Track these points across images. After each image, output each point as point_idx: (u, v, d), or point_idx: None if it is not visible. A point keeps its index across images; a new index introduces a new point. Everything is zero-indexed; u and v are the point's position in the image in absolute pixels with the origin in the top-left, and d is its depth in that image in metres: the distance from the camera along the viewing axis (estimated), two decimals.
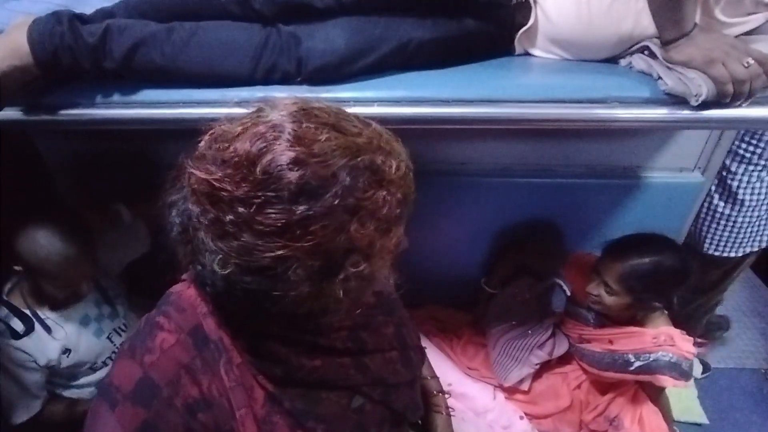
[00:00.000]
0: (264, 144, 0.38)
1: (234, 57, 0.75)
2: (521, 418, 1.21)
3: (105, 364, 1.12)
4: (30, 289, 1.02)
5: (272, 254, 0.38)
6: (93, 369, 1.11)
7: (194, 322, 0.49)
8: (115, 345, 1.14)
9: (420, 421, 0.75)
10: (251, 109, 0.43)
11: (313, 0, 0.74)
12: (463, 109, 0.73)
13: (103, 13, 0.79)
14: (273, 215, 0.37)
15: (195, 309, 0.49)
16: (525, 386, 1.25)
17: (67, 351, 1.05)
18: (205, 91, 0.77)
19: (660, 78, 0.73)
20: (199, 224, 0.40)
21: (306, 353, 0.52)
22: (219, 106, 0.76)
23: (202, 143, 0.42)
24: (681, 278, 1.04)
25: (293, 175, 0.37)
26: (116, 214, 1.11)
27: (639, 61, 0.77)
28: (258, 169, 0.37)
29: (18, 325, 1.00)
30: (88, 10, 0.81)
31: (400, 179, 0.41)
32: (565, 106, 0.73)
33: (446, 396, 0.80)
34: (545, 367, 1.27)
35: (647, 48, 0.77)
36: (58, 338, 1.03)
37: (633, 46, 0.79)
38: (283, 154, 0.38)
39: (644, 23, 0.76)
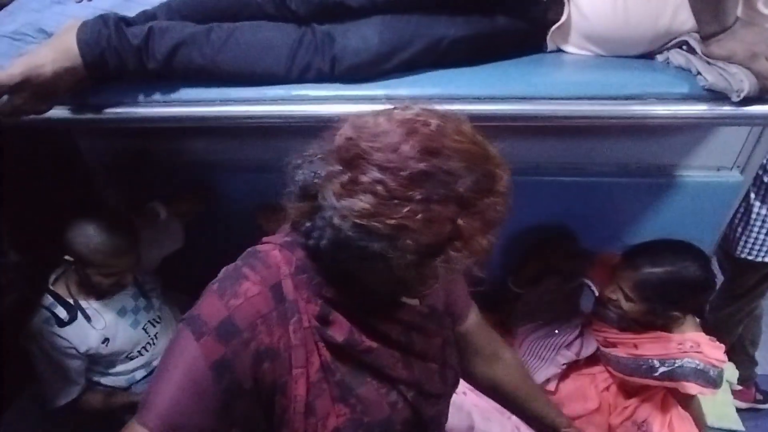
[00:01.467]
0: (413, 130, 0.44)
1: (270, 56, 0.77)
2: None
3: (140, 353, 1.17)
4: (77, 280, 1.07)
5: (391, 221, 0.43)
6: (129, 358, 1.16)
7: (276, 280, 0.53)
8: (149, 335, 1.19)
9: None
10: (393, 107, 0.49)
11: (348, 0, 0.76)
12: (496, 107, 0.73)
13: (146, 16, 0.83)
14: (401, 189, 0.42)
15: (279, 268, 0.54)
16: (552, 387, 1.23)
17: (106, 340, 1.10)
18: (242, 89, 0.79)
19: (699, 73, 0.71)
20: (330, 183, 0.45)
21: (365, 332, 0.55)
22: (255, 104, 0.79)
23: (351, 120, 0.48)
24: (700, 290, 1.01)
25: (427, 162, 0.43)
26: (152, 211, 1.17)
27: (677, 57, 0.75)
28: (404, 148, 0.43)
29: (62, 313, 1.06)
30: (131, 11, 0.85)
31: (506, 193, 0.47)
32: (601, 103, 0.72)
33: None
34: (573, 368, 1.25)
35: (686, 43, 0.75)
36: (97, 328, 1.08)
37: (670, 41, 0.78)
38: (425, 142, 0.43)
39: (682, 18, 0.74)
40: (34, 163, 1.14)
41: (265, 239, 0.59)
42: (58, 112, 0.81)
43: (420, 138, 0.44)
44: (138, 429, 0.48)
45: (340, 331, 0.54)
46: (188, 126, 0.84)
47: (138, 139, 1.22)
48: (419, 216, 0.42)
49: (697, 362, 1.01)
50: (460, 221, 0.44)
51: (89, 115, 0.82)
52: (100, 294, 1.09)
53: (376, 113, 0.47)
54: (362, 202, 0.43)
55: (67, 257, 1.00)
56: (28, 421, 1.19)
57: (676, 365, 1.02)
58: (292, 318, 0.53)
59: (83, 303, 1.08)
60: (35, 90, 0.74)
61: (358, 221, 0.43)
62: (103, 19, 0.77)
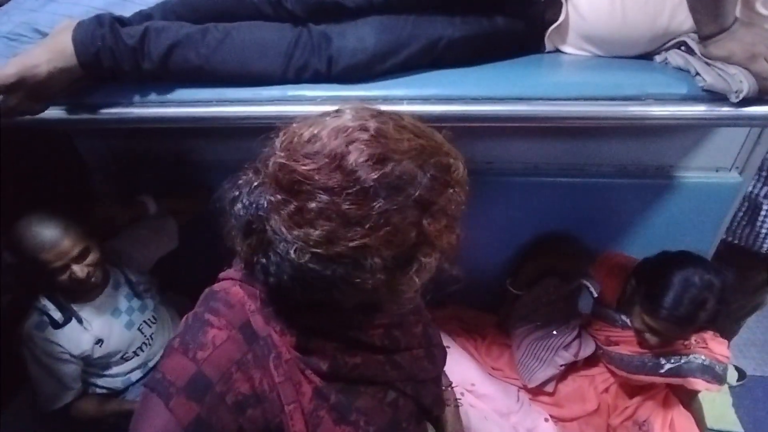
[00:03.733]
0: (351, 139, 0.41)
1: (266, 56, 0.76)
2: (546, 420, 1.20)
3: (136, 354, 1.17)
4: (46, 284, 1.04)
5: (352, 243, 0.39)
6: (124, 359, 1.16)
7: (243, 319, 0.50)
8: (145, 336, 1.18)
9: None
10: (320, 115, 0.46)
11: (344, 0, 0.75)
12: (494, 107, 0.73)
13: (142, 16, 0.82)
14: (355, 207, 0.39)
15: (243, 306, 0.51)
16: (550, 388, 1.23)
17: (99, 341, 1.09)
18: (238, 89, 0.79)
19: (698, 74, 0.71)
20: (276, 214, 0.41)
21: (348, 350, 0.53)
22: (251, 104, 0.78)
23: (282, 138, 0.44)
24: (725, 302, 0.99)
25: (377, 171, 0.39)
26: (143, 205, 1.15)
27: (675, 57, 0.75)
28: (347, 162, 0.40)
29: (57, 315, 1.05)
30: (127, 11, 0.84)
31: (463, 180, 0.45)
32: (599, 104, 0.72)
33: (454, 388, 0.82)
34: (571, 370, 1.25)
35: (684, 43, 0.75)
36: (90, 330, 1.08)
37: (669, 41, 0.77)
38: (369, 150, 0.40)
39: (681, 18, 0.74)
40: (30, 163, 1.14)
41: (221, 275, 0.55)
42: (54, 112, 0.81)
43: (362, 146, 0.40)
44: None
45: (323, 357, 0.51)
46: (185, 126, 0.83)
47: (135, 138, 1.22)
48: (381, 231, 0.39)
49: (703, 358, 1.00)
50: (424, 224, 0.41)
51: (85, 116, 0.82)
52: (76, 297, 1.06)
53: (308, 124, 0.43)
54: (316, 230, 0.39)
55: (9, 260, 0.97)
56: (23, 423, 1.19)
57: (683, 361, 1.02)
58: (270, 355, 0.49)
59: (75, 306, 1.07)
60: (30, 90, 0.74)
61: (316, 250, 0.40)
62: (98, 19, 0.76)
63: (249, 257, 0.47)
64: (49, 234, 0.94)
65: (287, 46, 0.76)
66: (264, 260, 0.45)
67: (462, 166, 0.45)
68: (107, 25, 0.75)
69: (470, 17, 0.77)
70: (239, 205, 0.46)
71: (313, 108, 0.76)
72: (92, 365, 1.13)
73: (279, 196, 0.41)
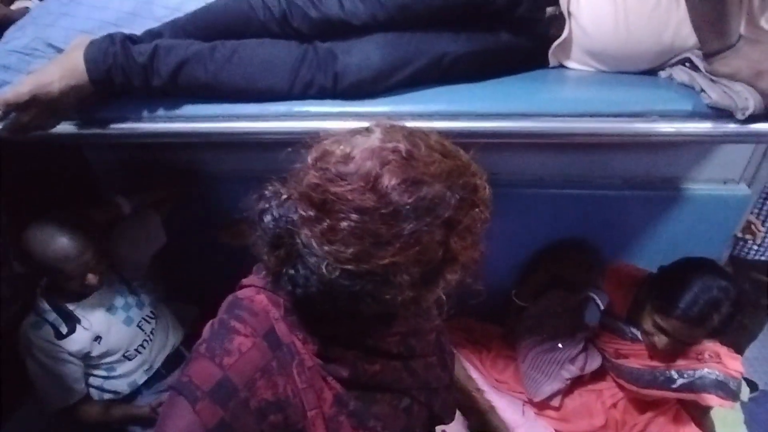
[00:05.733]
0: (385, 161, 0.42)
1: (273, 73, 0.77)
2: None
3: (138, 351, 1.17)
4: (49, 284, 1.07)
5: (383, 261, 0.41)
6: (127, 357, 1.16)
7: (268, 327, 0.52)
8: (145, 332, 1.18)
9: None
10: (350, 132, 0.46)
11: (350, 17, 0.76)
12: (499, 124, 0.73)
13: (152, 34, 0.84)
14: (386, 227, 0.40)
15: (267, 314, 0.52)
16: (556, 402, 1.21)
17: (98, 338, 1.10)
18: (245, 105, 0.80)
19: (703, 91, 0.71)
20: (307, 229, 0.43)
21: (367, 357, 0.55)
22: (258, 120, 0.79)
23: (314, 155, 0.45)
24: (739, 306, 0.99)
25: (410, 194, 0.41)
26: (116, 205, 1.15)
27: (680, 73, 0.75)
28: (380, 185, 0.41)
29: (63, 327, 1.06)
30: (138, 25, 0.86)
31: (487, 199, 0.46)
32: (604, 120, 0.72)
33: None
34: (578, 384, 1.23)
35: (689, 59, 0.75)
36: (87, 327, 1.09)
37: (673, 57, 0.77)
38: (402, 172, 0.41)
39: (685, 34, 0.74)
40: (39, 173, 1.15)
41: (245, 281, 0.57)
42: (65, 127, 0.83)
43: (395, 169, 0.41)
44: None
45: (344, 365, 0.53)
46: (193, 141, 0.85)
47: (145, 149, 1.23)
48: (411, 251, 0.41)
49: (717, 373, 0.99)
50: (451, 242, 0.43)
51: (95, 130, 0.84)
52: (73, 298, 1.08)
53: (339, 141, 0.44)
54: (348, 248, 0.41)
55: (26, 267, 0.99)
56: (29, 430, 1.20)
57: (696, 376, 1.00)
58: (293, 361, 0.51)
59: (70, 306, 1.08)
60: (43, 107, 0.75)
61: (346, 267, 0.41)
62: (110, 37, 0.78)
63: (276, 268, 0.48)
64: (74, 245, 0.97)
65: (293, 62, 0.77)
66: (292, 271, 0.46)
67: (486, 186, 0.46)
68: (118, 43, 0.77)
69: (475, 33, 0.78)
70: (269, 217, 0.47)
71: (319, 124, 0.77)
72: (95, 366, 1.14)
73: (311, 213, 0.42)
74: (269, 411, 0.49)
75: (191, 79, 0.78)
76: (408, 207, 0.41)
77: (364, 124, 0.47)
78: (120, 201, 1.15)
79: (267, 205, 0.47)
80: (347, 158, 0.43)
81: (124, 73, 0.77)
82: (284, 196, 0.46)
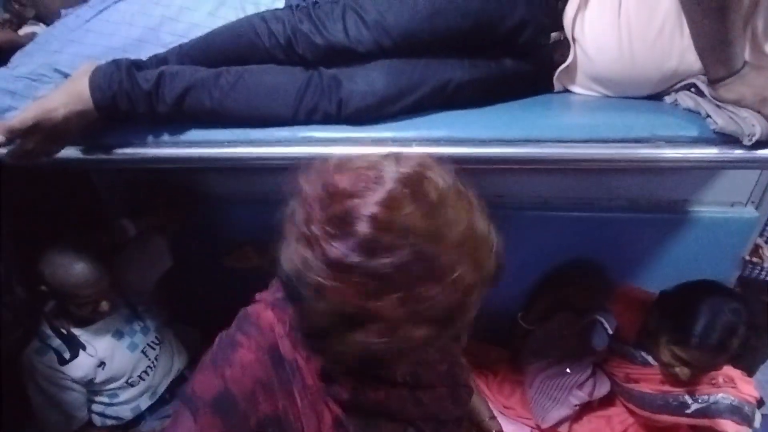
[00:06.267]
0: (361, 188, 0.41)
1: (277, 99, 0.78)
2: None
3: (141, 378, 1.16)
4: (56, 309, 1.07)
5: (315, 278, 0.40)
6: (130, 384, 1.14)
7: (272, 342, 0.52)
8: (149, 359, 1.17)
9: None
10: (386, 153, 0.45)
11: (354, 44, 0.77)
12: (503, 149, 0.73)
13: (157, 60, 0.84)
14: (329, 248, 0.40)
15: (273, 330, 0.53)
16: (564, 429, 1.18)
17: (102, 364, 1.09)
18: (250, 130, 0.80)
19: (709, 116, 0.70)
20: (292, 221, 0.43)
21: (371, 383, 0.54)
22: (262, 145, 0.79)
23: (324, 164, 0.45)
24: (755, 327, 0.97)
25: (364, 229, 0.39)
26: (121, 229, 1.15)
27: (685, 99, 0.75)
28: (340, 207, 0.40)
29: (66, 353, 1.05)
30: (144, 51, 0.87)
31: (462, 284, 0.40)
32: (609, 146, 0.71)
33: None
34: (587, 410, 1.20)
35: (694, 85, 0.74)
36: (91, 353, 1.08)
37: (678, 83, 0.77)
38: (370, 206, 0.39)
39: (690, 60, 0.74)
40: (43, 197, 1.15)
41: (257, 296, 0.57)
42: (69, 152, 0.83)
43: (365, 201, 0.40)
44: None
45: (345, 387, 0.52)
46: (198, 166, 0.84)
47: (150, 172, 1.23)
48: (336, 284, 0.40)
49: (732, 398, 0.97)
50: (380, 304, 0.39)
51: (100, 156, 0.83)
52: (81, 323, 1.08)
53: (355, 159, 0.44)
54: (302, 250, 0.41)
55: (42, 287, 1.00)
56: None
57: (711, 401, 0.98)
58: (294, 379, 0.51)
59: (76, 331, 1.07)
60: (47, 133, 0.75)
61: (297, 267, 0.42)
62: (116, 63, 0.79)
63: (287, 281, 0.47)
64: (93, 271, 0.99)
65: (298, 89, 0.77)
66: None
67: (469, 270, 0.41)
68: (124, 69, 0.77)
69: (479, 60, 0.78)
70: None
71: (323, 149, 0.77)
72: (98, 392, 1.12)
73: (295, 205, 0.43)
74: (268, 424, 0.49)
75: (196, 105, 0.78)
76: (352, 240, 0.39)
77: (376, 150, 0.46)
78: (125, 224, 1.15)
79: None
80: (341, 170, 0.42)
81: (129, 99, 0.77)
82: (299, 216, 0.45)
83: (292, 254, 0.42)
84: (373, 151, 0.47)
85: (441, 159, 0.46)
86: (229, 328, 0.55)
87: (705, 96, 0.72)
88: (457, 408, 0.64)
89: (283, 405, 0.50)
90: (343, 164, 0.44)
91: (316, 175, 0.43)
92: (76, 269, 0.97)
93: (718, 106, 0.70)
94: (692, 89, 0.75)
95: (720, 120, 0.68)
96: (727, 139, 0.69)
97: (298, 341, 0.52)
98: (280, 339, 0.52)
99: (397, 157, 0.44)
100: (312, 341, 0.51)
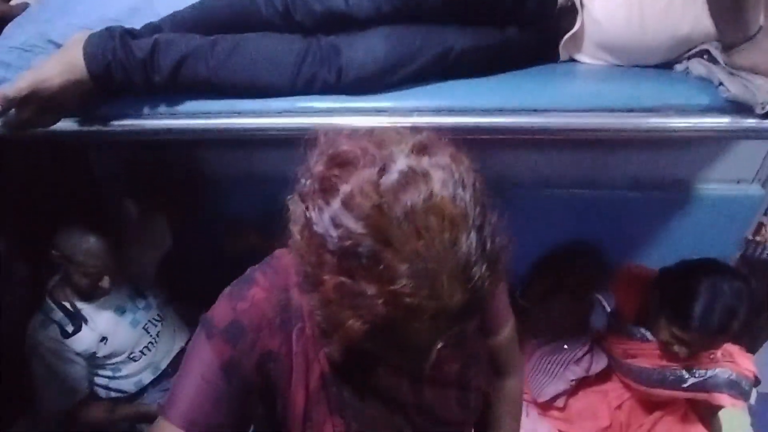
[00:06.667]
0: (360, 162, 0.38)
1: (275, 68, 0.76)
2: None
3: (143, 353, 1.18)
4: (59, 283, 1.09)
5: (295, 231, 0.42)
6: (132, 359, 1.16)
7: (284, 286, 0.54)
8: (150, 335, 1.19)
9: None
10: (414, 134, 0.42)
11: (354, 11, 0.74)
12: (506, 119, 0.71)
13: (152, 28, 0.82)
14: (311, 213, 0.39)
15: (288, 275, 0.54)
16: (560, 403, 1.20)
17: (104, 339, 1.11)
18: (247, 101, 0.78)
19: (721, 84, 0.68)
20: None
21: (362, 358, 0.53)
22: (260, 116, 0.78)
23: (323, 136, 0.44)
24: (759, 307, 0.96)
25: (354, 231, 0.36)
26: (125, 209, 1.17)
27: (697, 66, 0.72)
28: (338, 168, 0.39)
29: (69, 326, 1.06)
30: (138, 21, 0.84)
31: (405, 305, 0.36)
32: (616, 116, 0.69)
33: None
34: (583, 385, 1.21)
35: (707, 52, 0.72)
36: (94, 328, 1.09)
37: (690, 50, 0.75)
38: (360, 207, 0.36)
39: (703, 25, 0.71)
40: (42, 174, 1.15)
41: (290, 242, 0.57)
42: (65, 124, 0.81)
43: (358, 193, 0.38)
44: (163, 424, 0.50)
45: (338, 351, 0.53)
46: (195, 138, 0.83)
47: (148, 150, 1.22)
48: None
49: (730, 372, 0.97)
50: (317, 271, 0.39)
51: (96, 128, 0.82)
52: (85, 296, 1.10)
53: (381, 131, 0.42)
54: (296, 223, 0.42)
55: (53, 251, 1.03)
56: None
57: (708, 376, 0.98)
58: (296, 325, 0.53)
59: (79, 305, 1.09)
60: (42, 103, 0.74)
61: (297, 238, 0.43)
62: (109, 31, 0.77)
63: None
64: (103, 246, 1.03)
65: (296, 57, 0.75)
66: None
67: (415, 291, 0.36)
68: (117, 38, 0.75)
69: (482, 27, 0.76)
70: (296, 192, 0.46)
71: (322, 120, 0.76)
72: (101, 366, 1.14)
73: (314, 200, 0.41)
74: (269, 359, 0.52)
75: (192, 74, 0.76)
76: (334, 251, 0.37)
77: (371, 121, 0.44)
78: (128, 204, 1.17)
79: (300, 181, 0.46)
80: (343, 139, 0.41)
81: (123, 68, 0.75)
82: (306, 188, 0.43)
83: (294, 207, 0.42)
84: (374, 121, 0.45)
85: (440, 131, 0.43)
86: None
87: (718, 63, 0.69)
88: (464, 412, 0.60)
89: (281, 343, 0.53)
90: (354, 133, 0.43)
91: (317, 149, 0.43)
92: (89, 238, 1.02)
93: (731, 73, 0.68)
94: (705, 56, 0.72)
95: (733, 87, 0.66)
96: (740, 108, 0.67)
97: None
98: (292, 284, 0.54)
99: (414, 141, 0.40)
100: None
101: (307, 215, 0.40)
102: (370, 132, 0.42)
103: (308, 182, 0.41)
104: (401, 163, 0.38)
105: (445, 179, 0.37)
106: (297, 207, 0.42)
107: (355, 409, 0.54)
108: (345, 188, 0.37)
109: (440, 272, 0.36)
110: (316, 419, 0.54)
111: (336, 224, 0.37)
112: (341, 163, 0.39)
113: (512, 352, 0.71)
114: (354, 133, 0.43)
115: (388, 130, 0.43)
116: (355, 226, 0.36)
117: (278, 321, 0.52)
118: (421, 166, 0.38)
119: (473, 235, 0.37)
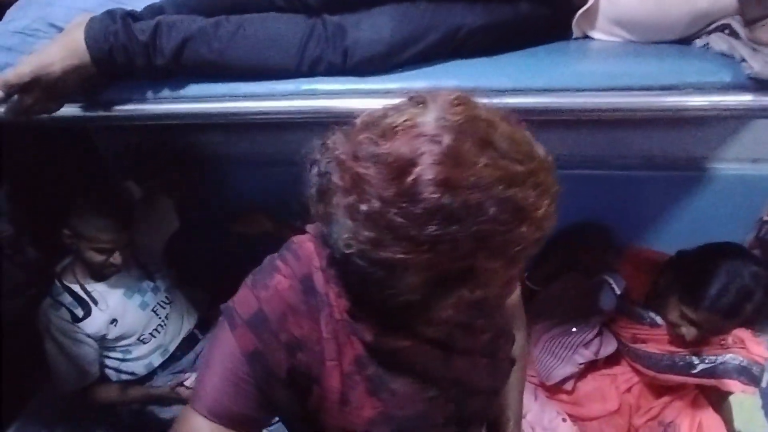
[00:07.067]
0: (419, 152, 0.37)
1: (279, 50, 0.74)
2: (564, 420, 1.17)
3: (152, 335, 1.19)
4: (69, 267, 1.11)
5: (392, 256, 0.38)
6: (142, 341, 1.18)
7: (307, 272, 0.53)
8: (159, 317, 1.20)
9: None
10: (409, 99, 0.42)
11: None
12: (518, 99, 0.69)
13: (153, 10, 0.80)
14: (406, 223, 0.37)
15: (310, 261, 0.54)
16: (569, 386, 1.20)
17: (114, 321, 1.13)
18: (252, 84, 0.77)
19: (744, 60, 0.65)
20: (339, 197, 0.41)
21: (395, 332, 0.53)
22: (265, 99, 0.76)
23: (358, 124, 0.43)
24: None
25: (438, 196, 0.36)
26: (127, 191, 1.17)
27: (718, 42, 0.69)
28: (408, 178, 0.37)
29: (78, 310, 1.08)
30: (140, 2, 0.83)
31: (543, 219, 0.39)
32: (633, 95, 0.67)
33: None
34: (592, 368, 1.21)
35: (728, 26, 0.69)
36: (104, 309, 1.11)
37: (710, 24, 0.72)
38: (434, 169, 0.36)
39: None
40: (50, 157, 1.15)
41: (307, 227, 0.57)
42: (69, 109, 0.81)
43: (427, 164, 0.36)
44: (190, 414, 0.50)
45: (369, 330, 0.52)
46: (199, 122, 0.82)
47: (153, 132, 1.22)
48: (425, 255, 0.37)
49: (741, 358, 0.96)
50: (477, 258, 0.38)
51: (99, 112, 0.81)
52: (96, 275, 1.11)
53: (387, 113, 0.41)
54: (365, 230, 0.38)
55: (65, 231, 1.04)
56: (46, 417, 1.22)
57: (718, 362, 0.98)
58: (323, 310, 0.52)
59: (89, 286, 1.11)
60: (45, 89, 0.73)
61: (362, 247, 0.39)
62: (110, 14, 0.75)
63: (319, 221, 0.47)
64: (117, 222, 1.04)
65: (301, 38, 0.73)
66: (326, 230, 0.45)
67: (548, 203, 0.39)
68: (119, 20, 0.74)
69: (492, 4, 0.73)
70: (315, 170, 0.45)
71: (328, 102, 0.74)
72: (111, 349, 1.16)
73: (341, 183, 0.40)
74: (297, 347, 0.51)
75: (195, 57, 0.75)
76: (431, 209, 0.36)
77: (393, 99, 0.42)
78: (130, 186, 1.17)
79: (318, 157, 0.45)
80: (386, 135, 0.39)
81: (126, 52, 0.74)
82: (328, 160, 0.43)
83: (348, 233, 0.40)
84: (380, 103, 0.43)
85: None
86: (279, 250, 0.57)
87: (740, 38, 0.66)
88: (494, 380, 0.62)
89: (309, 329, 0.52)
90: (377, 125, 0.40)
91: (352, 145, 0.40)
92: (101, 214, 1.03)
93: (754, 49, 0.65)
94: (726, 31, 0.69)
95: (756, 64, 0.63)
96: (762, 86, 0.64)
97: (331, 277, 0.53)
98: (315, 271, 0.53)
99: (432, 98, 0.40)
100: (348, 283, 0.51)
101: (408, 232, 0.37)
102: (377, 118, 0.41)
103: (375, 204, 0.38)
104: (439, 123, 0.39)
105: (480, 109, 0.41)
106: (368, 235, 0.39)
107: (391, 388, 0.54)
108: (429, 179, 0.36)
109: (545, 170, 0.40)
110: (353, 401, 0.54)
111: (451, 213, 0.36)
112: (401, 165, 0.38)
113: (518, 312, 0.78)
114: (376, 129, 0.41)
115: (384, 111, 0.42)
116: (474, 197, 0.36)
117: (304, 308, 0.52)
118: (463, 115, 0.39)
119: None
